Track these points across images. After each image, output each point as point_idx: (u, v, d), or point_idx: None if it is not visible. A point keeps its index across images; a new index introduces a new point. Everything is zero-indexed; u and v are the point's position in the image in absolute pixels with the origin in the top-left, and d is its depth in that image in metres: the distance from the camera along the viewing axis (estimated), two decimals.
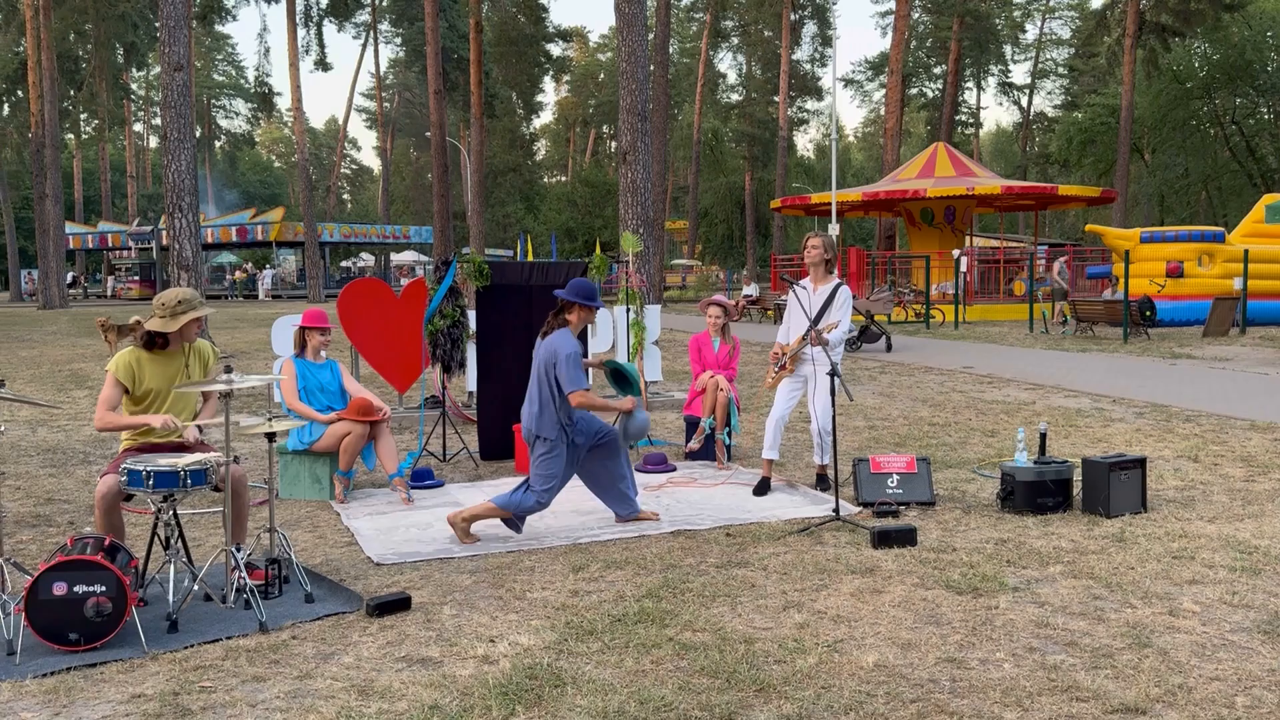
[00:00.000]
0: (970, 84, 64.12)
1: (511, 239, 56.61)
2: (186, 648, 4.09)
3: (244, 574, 4.47)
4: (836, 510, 5.92)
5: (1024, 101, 68.50)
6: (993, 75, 65.69)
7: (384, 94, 69.36)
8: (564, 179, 72.96)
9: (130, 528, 5.60)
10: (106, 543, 4.27)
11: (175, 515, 4.58)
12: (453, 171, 49.44)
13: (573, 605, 4.56)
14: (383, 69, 67.88)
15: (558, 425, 5.62)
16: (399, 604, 4.50)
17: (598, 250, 10.37)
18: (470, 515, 5.63)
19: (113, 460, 4.84)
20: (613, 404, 5.74)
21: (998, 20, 56.91)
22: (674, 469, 7.66)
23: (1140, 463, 6.09)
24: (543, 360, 5.61)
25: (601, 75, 75.53)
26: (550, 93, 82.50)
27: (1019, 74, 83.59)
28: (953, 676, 3.73)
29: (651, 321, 10.59)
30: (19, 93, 49.58)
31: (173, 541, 4.56)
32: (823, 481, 6.87)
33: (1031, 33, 65.80)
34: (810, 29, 60.43)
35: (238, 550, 4.63)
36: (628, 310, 10.00)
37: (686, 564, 5.18)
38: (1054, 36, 66.25)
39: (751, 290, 29.54)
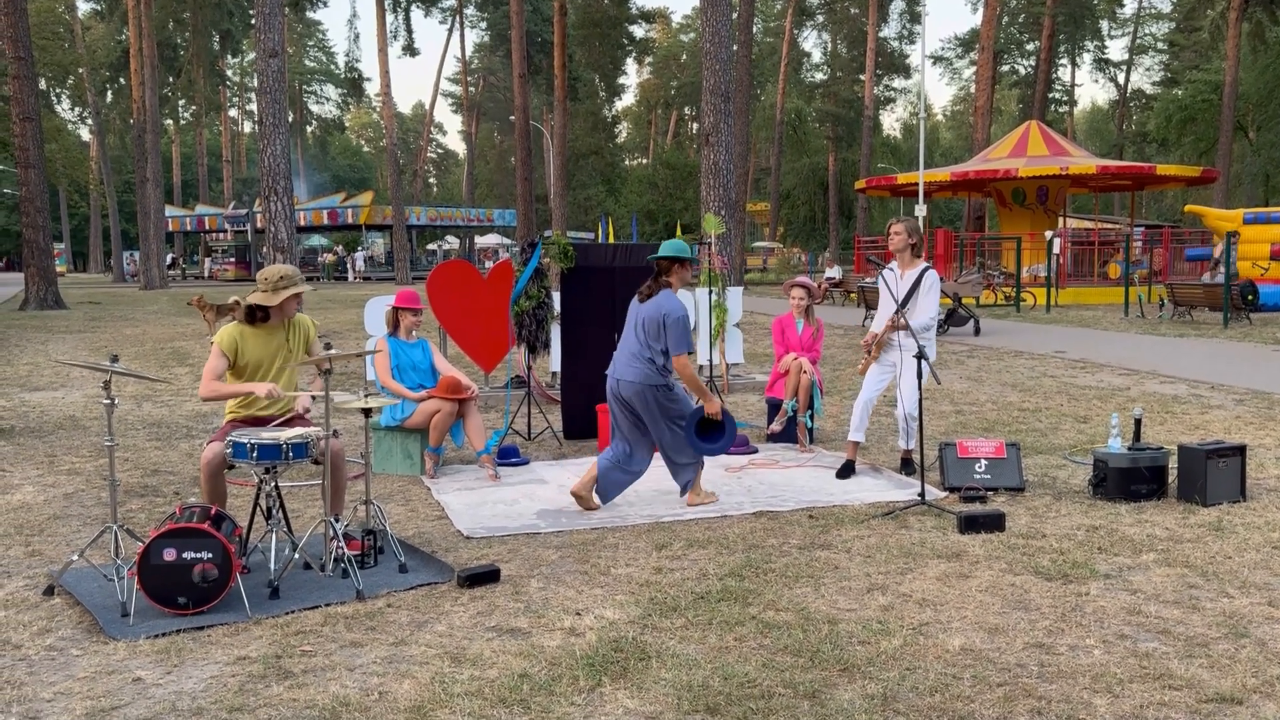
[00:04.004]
0: (1064, 60, 62.20)
1: (593, 221, 56.81)
2: (288, 613, 4.27)
3: (342, 544, 4.63)
4: (922, 494, 5.87)
5: (1121, 78, 66.13)
6: (1088, 51, 63.65)
7: (469, 78, 70.17)
8: (645, 161, 72.86)
9: (232, 499, 5.83)
10: (213, 512, 4.46)
11: (277, 487, 4.77)
12: (535, 155, 49.82)
13: (656, 582, 4.62)
14: (468, 54, 68.66)
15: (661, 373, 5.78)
16: (489, 576, 4.62)
17: (678, 232, 10.39)
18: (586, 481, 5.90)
19: (218, 429, 5.04)
20: (705, 391, 5.80)
21: None
22: (756, 451, 7.67)
23: (1240, 450, 5.92)
24: (644, 318, 5.72)
25: (684, 56, 75.15)
26: (632, 75, 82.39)
27: (1116, 50, 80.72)
28: (1041, 662, 3.70)
29: (733, 303, 10.60)
30: (121, 80, 51.46)
31: (274, 512, 4.75)
32: (907, 466, 6.81)
33: (1129, 7, 63.55)
34: (898, 5, 59.25)
35: (336, 521, 4.80)
36: (710, 292, 10.02)
37: (769, 544, 5.21)
38: (1153, 10, 63.85)
39: (834, 273, 29.20)
